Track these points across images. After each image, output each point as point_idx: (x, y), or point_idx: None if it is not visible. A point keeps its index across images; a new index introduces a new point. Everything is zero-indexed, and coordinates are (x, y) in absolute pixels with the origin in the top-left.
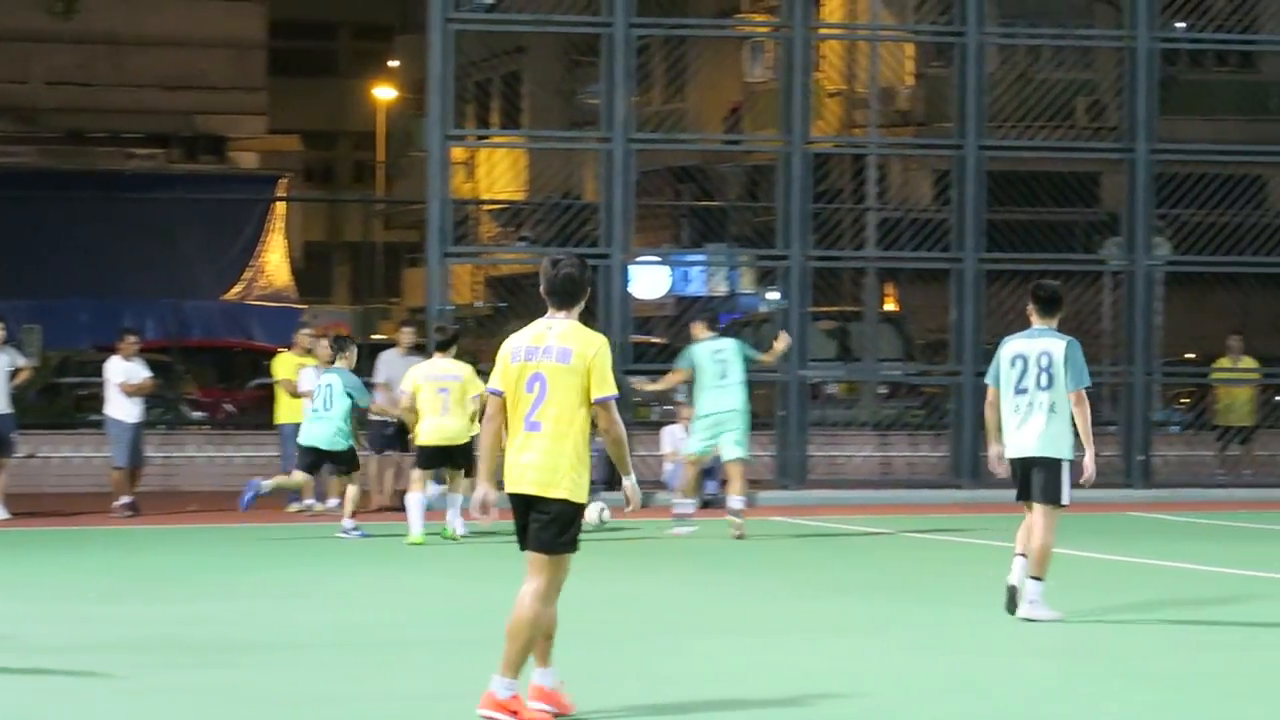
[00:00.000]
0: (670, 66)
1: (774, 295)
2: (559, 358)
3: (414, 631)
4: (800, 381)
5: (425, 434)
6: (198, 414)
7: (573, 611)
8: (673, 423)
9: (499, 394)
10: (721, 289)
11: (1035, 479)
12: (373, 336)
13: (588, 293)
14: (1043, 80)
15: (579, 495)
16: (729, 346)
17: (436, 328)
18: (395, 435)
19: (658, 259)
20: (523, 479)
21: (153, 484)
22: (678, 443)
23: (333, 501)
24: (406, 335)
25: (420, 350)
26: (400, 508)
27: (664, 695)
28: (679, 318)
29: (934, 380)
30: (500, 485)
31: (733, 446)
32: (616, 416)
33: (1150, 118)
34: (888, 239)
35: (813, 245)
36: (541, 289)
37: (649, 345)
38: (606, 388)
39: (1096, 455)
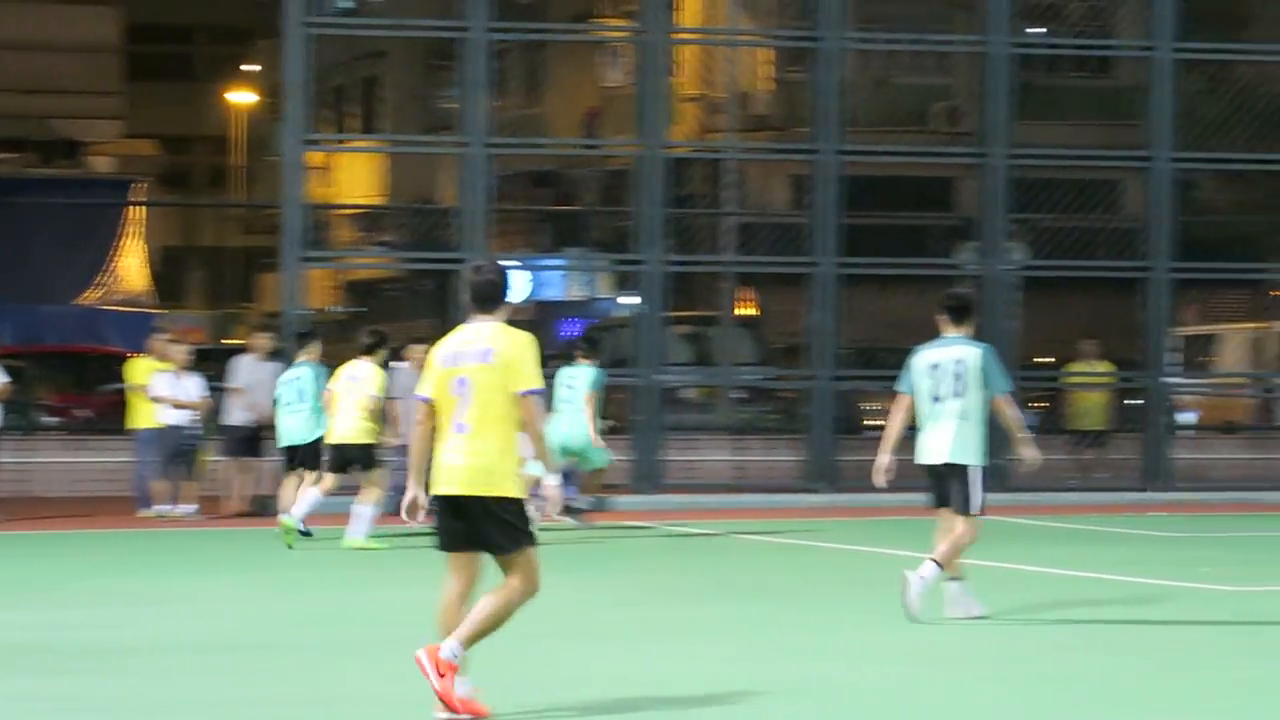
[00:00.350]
0: (528, 71)
1: (632, 299)
2: (480, 358)
3: (273, 635)
4: (657, 386)
5: (330, 434)
6: (52, 419)
7: (422, 616)
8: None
9: (426, 400)
10: (579, 294)
11: (951, 488)
12: (224, 341)
13: (507, 297)
14: (900, 85)
15: (519, 490)
16: (582, 374)
17: (368, 331)
18: (250, 440)
19: (516, 264)
20: (453, 480)
21: (6, 490)
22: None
23: (184, 507)
24: (262, 341)
25: (278, 356)
26: (255, 513)
27: (523, 702)
28: (537, 322)
29: (790, 384)
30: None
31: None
32: (538, 411)
33: (1006, 123)
34: (745, 243)
35: (670, 250)
36: (465, 295)
37: None
38: (527, 382)
39: (1035, 456)
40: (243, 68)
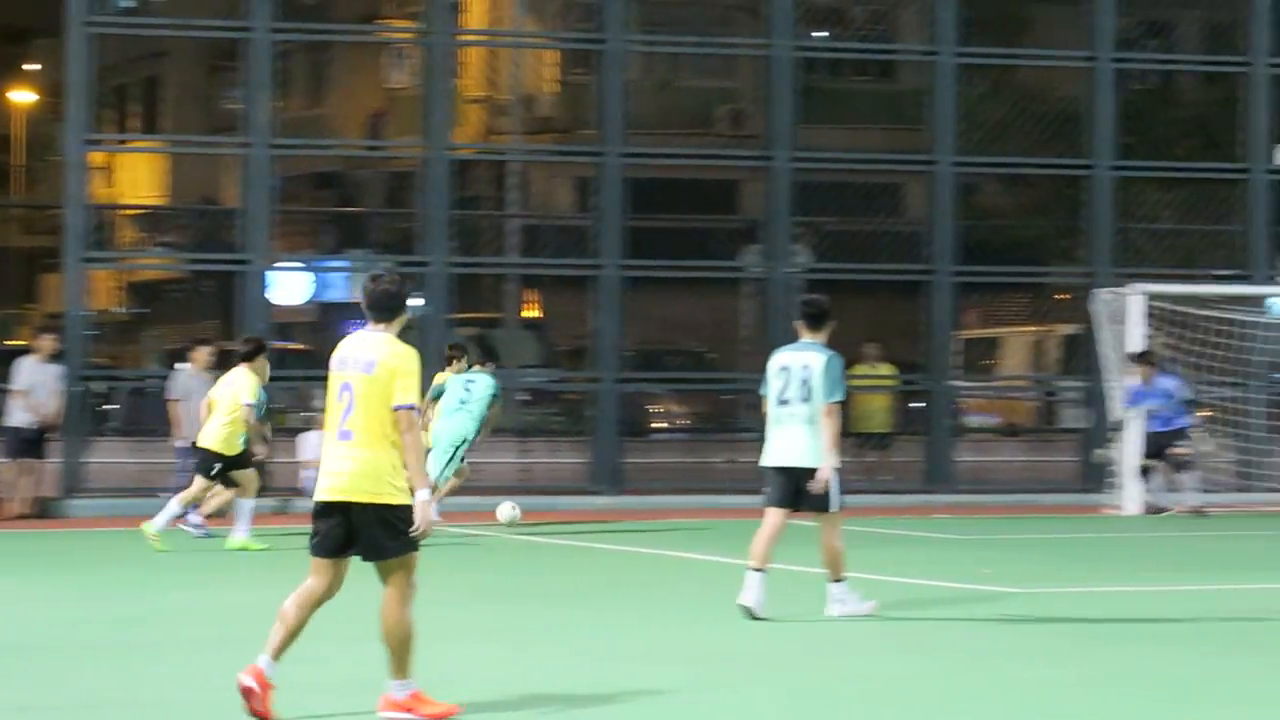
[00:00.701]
0: (312, 72)
1: (416, 301)
2: (364, 368)
3: (54, 638)
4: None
5: (200, 438)
6: None
7: (204, 619)
8: (309, 429)
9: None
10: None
11: (807, 492)
12: (7, 343)
13: (405, 308)
14: (684, 88)
15: (403, 498)
16: (482, 380)
17: (244, 339)
18: (33, 442)
19: (299, 265)
20: (336, 487)
21: None
22: (314, 450)
23: None
24: (45, 342)
25: (60, 358)
26: (37, 515)
27: (313, 706)
28: (320, 324)
29: (575, 387)
30: None
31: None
32: (414, 425)
33: (790, 126)
34: (529, 245)
35: (454, 251)
36: (361, 303)
37: (289, 351)
38: (405, 397)
39: (831, 466)
40: (24, 67)
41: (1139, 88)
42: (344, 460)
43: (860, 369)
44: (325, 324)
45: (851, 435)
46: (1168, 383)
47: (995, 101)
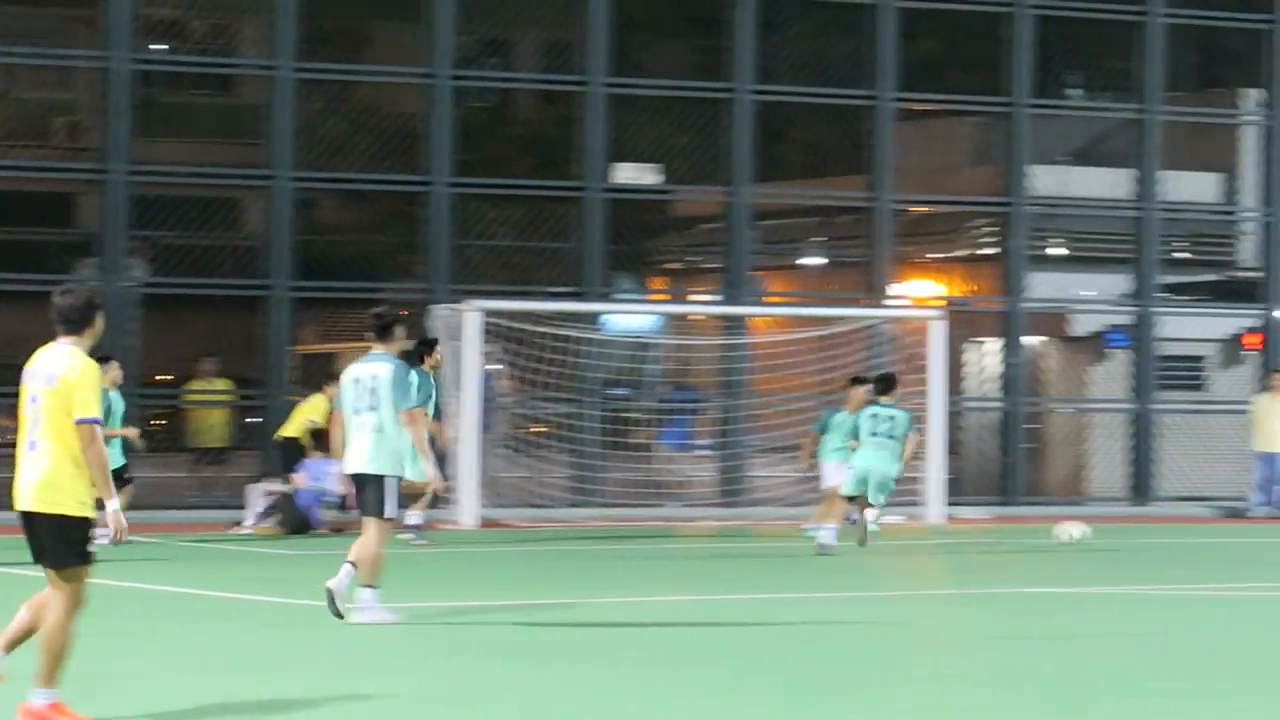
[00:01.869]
0: None
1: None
2: (45, 380)
3: None
4: None
5: None
6: None
7: None
8: None
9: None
10: None
11: (364, 495)
12: None
13: (95, 320)
14: (21, 99)
15: (82, 510)
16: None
17: None
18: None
19: None
20: (22, 496)
21: None
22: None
23: None
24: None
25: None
26: None
27: None
28: None
29: None
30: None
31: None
32: (95, 439)
33: (128, 139)
34: None
35: None
36: (51, 316)
37: None
38: (85, 410)
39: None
40: None
41: (477, 105)
42: (30, 470)
43: (196, 384)
44: None
45: (188, 450)
46: None
47: (335, 117)
